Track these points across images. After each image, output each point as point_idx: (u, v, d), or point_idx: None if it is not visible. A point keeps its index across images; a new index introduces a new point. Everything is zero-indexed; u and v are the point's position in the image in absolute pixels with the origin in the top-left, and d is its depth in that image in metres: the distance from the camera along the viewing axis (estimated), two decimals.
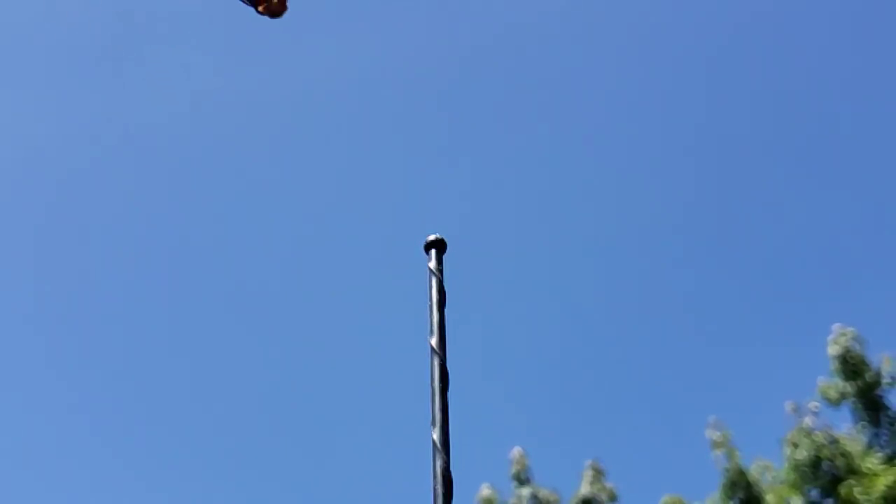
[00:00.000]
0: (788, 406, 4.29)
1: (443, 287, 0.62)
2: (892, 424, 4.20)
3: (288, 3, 0.68)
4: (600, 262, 7.38)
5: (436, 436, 0.56)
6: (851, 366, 4.24)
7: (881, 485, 3.91)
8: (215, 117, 6.60)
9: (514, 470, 4.78)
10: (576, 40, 7.13)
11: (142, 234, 7.17)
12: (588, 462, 4.77)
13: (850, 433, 4.22)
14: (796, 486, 4.14)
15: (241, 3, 0.68)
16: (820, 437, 4.15)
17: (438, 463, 0.55)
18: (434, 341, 0.60)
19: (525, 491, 4.71)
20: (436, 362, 0.59)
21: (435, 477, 0.55)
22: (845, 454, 4.09)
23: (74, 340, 7.55)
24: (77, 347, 7.45)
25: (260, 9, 0.68)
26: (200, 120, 6.95)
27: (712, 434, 4.36)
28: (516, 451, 4.83)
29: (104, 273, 7.19)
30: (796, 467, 4.14)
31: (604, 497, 4.67)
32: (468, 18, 6.62)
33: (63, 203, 6.96)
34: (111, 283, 7.26)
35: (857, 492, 3.95)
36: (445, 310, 0.61)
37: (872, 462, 4.05)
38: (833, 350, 4.30)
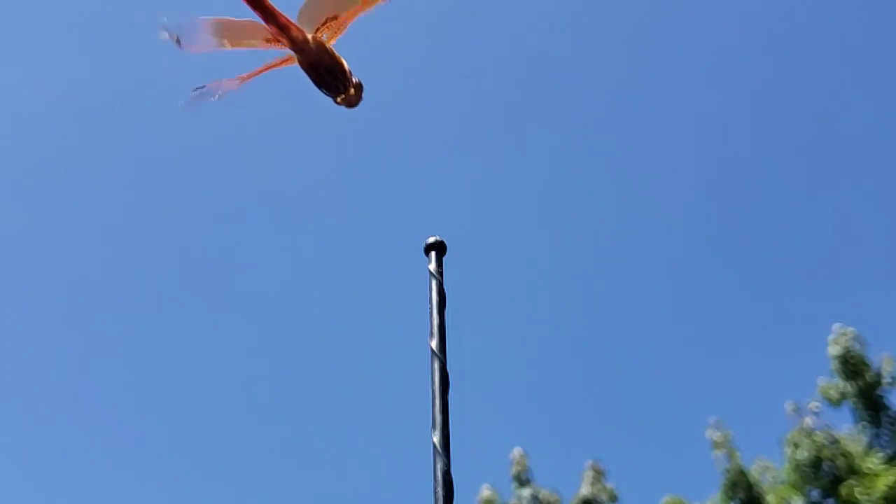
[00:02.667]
0: (789, 406, 4.29)
1: (443, 289, 0.62)
2: (892, 424, 4.20)
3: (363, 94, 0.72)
4: (600, 262, 7.38)
5: (436, 438, 0.56)
6: (852, 366, 4.24)
7: (882, 485, 3.91)
8: (215, 112, 6.60)
9: (514, 471, 4.78)
10: (578, 41, 7.14)
11: (139, 234, 7.17)
12: (588, 462, 4.77)
13: (850, 433, 4.22)
14: (797, 487, 4.14)
15: (321, 92, 0.72)
16: (820, 437, 4.15)
17: (439, 466, 0.55)
18: (434, 344, 0.60)
19: (525, 492, 4.71)
20: (436, 365, 0.59)
21: (436, 480, 0.55)
22: (846, 454, 4.09)
23: (69, 338, 7.56)
24: (72, 346, 7.45)
25: (338, 100, 0.71)
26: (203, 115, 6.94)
27: (713, 434, 4.37)
28: (516, 452, 4.83)
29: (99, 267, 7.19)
30: (797, 468, 4.14)
31: (604, 497, 4.67)
32: (468, 19, 6.63)
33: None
34: (105, 279, 7.27)
35: (857, 492, 3.96)
36: (446, 312, 0.61)
37: (873, 462, 4.05)
38: (833, 350, 4.30)
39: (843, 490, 4.00)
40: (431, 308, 0.61)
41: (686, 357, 6.93)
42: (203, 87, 0.72)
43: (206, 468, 7.19)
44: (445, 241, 0.64)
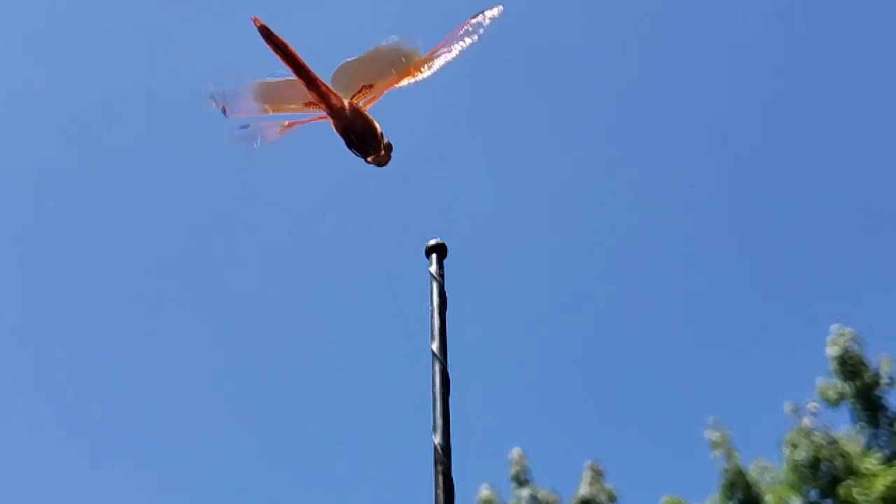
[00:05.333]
0: (787, 407, 4.29)
1: (444, 292, 0.62)
2: (890, 425, 4.20)
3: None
4: (599, 263, 7.39)
5: (437, 441, 0.56)
6: (850, 366, 4.24)
7: (880, 485, 3.91)
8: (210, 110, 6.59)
9: (513, 471, 4.78)
10: (580, 40, 7.14)
11: (134, 235, 7.17)
12: (587, 463, 4.77)
13: (848, 434, 4.22)
14: (795, 487, 4.14)
15: (351, 153, 0.75)
16: (819, 437, 4.15)
17: (440, 469, 0.55)
18: (435, 346, 0.60)
19: (524, 492, 4.71)
20: (437, 367, 0.59)
21: (436, 482, 0.55)
22: (844, 455, 4.09)
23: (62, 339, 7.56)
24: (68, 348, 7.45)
25: (369, 159, 0.74)
26: (194, 113, 6.94)
27: (711, 435, 4.37)
28: (515, 452, 4.83)
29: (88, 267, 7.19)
30: (795, 468, 4.14)
31: (603, 498, 4.67)
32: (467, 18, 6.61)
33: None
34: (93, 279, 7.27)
35: (855, 492, 3.96)
36: (446, 314, 0.61)
37: (871, 462, 4.05)
38: (832, 350, 4.30)
39: (842, 490, 4.00)
40: (432, 310, 0.61)
41: (685, 357, 6.93)
42: (247, 127, 0.75)
43: (205, 472, 7.19)
44: (446, 244, 0.64)
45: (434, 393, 0.58)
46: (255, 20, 0.71)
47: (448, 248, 0.64)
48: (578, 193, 7.40)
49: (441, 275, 0.63)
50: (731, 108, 7.03)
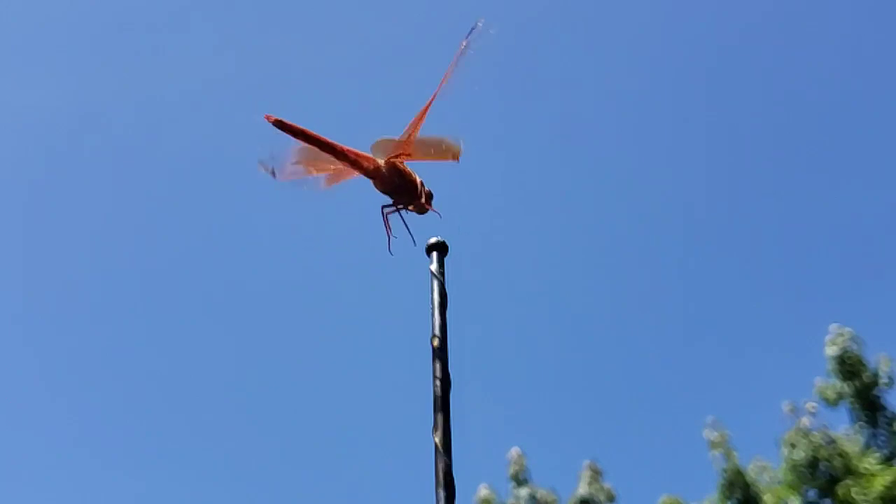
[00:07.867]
0: (786, 406, 4.29)
1: (444, 290, 0.62)
2: (889, 424, 4.20)
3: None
4: (598, 262, 7.39)
5: (438, 439, 0.56)
6: (849, 366, 4.24)
7: (879, 485, 3.91)
8: (218, 109, 6.61)
9: (512, 470, 4.78)
10: (580, 39, 7.14)
11: (134, 234, 7.16)
12: (586, 462, 4.77)
13: (847, 433, 4.22)
14: (794, 487, 4.14)
15: (394, 206, 0.76)
16: (817, 437, 4.15)
17: (441, 467, 0.55)
18: (436, 344, 0.60)
19: (523, 491, 4.71)
20: (437, 366, 0.59)
21: (437, 480, 0.55)
22: (843, 454, 4.09)
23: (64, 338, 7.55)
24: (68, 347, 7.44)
25: (411, 207, 0.76)
26: (203, 112, 6.95)
27: (710, 434, 4.36)
28: (514, 452, 4.83)
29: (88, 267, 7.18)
30: (794, 468, 4.14)
31: (602, 497, 4.67)
32: (468, 15, 6.61)
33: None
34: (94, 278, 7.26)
35: (854, 492, 3.96)
36: (447, 313, 0.61)
37: (870, 462, 4.05)
38: (830, 350, 4.30)
39: (840, 490, 4.00)
40: (433, 308, 0.61)
41: (683, 357, 6.93)
42: (278, 167, 0.77)
43: (205, 469, 7.18)
44: (447, 242, 0.64)
45: (434, 391, 0.58)
46: (267, 118, 0.73)
47: (449, 247, 0.64)
48: (578, 192, 7.40)
49: (442, 273, 0.63)
50: (729, 108, 7.04)
